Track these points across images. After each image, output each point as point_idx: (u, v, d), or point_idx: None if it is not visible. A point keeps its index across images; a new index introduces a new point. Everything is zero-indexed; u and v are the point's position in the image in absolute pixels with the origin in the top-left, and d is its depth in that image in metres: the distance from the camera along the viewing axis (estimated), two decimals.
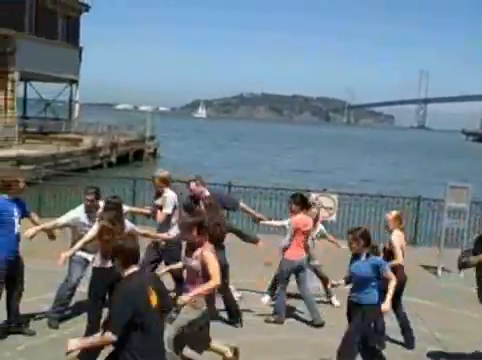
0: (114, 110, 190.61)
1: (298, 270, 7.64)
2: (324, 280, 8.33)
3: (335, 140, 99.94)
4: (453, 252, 11.11)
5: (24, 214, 6.66)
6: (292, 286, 7.90)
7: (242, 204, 8.54)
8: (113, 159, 34.72)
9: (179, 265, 6.15)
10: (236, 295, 7.93)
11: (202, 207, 7.54)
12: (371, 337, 5.99)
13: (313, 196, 12.88)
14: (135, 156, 38.14)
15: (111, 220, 6.31)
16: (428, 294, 9.27)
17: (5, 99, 33.23)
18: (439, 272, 10.81)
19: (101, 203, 7.02)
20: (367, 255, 5.88)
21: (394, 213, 7.28)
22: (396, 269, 6.73)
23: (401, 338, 7.21)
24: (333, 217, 12.82)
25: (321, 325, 7.57)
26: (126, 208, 7.34)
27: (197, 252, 5.58)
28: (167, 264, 7.05)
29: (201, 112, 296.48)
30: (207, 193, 7.91)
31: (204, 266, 5.49)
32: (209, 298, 5.74)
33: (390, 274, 5.92)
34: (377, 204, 13.39)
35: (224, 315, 7.63)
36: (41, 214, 10.58)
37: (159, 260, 7.59)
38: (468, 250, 6.68)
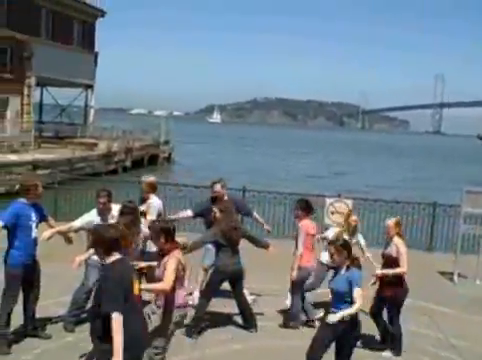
0: (129, 115, 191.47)
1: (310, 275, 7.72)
2: None
3: (349, 145, 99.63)
4: (469, 258, 11.08)
5: (42, 219, 6.69)
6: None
7: (255, 214, 8.77)
8: (128, 164, 34.89)
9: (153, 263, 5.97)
10: (249, 298, 7.93)
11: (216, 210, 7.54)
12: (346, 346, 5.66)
13: (328, 201, 12.88)
14: (150, 161, 38.31)
15: (127, 225, 6.34)
16: (444, 300, 9.21)
17: (22, 104, 33.54)
18: (455, 278, 10.73)
19: (114, 206, 7.09)
20: (347, 267, 5.56)
21: (394, 219, 7.15)
22: (402, 277, 6.77)
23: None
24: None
25: None
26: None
27: (164, 260, 5.41)
28: None
29: (216, 117, 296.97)
30: (225, 197, 7.98)
31: (165, 271, 5.35)
32: (169, 307, 5.49)
33: (356, 295, 5.39)
34: (392, 210, 13.31)
35: (238, 319, 7.63)
36: (57, 218, 10.63)
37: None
38: None
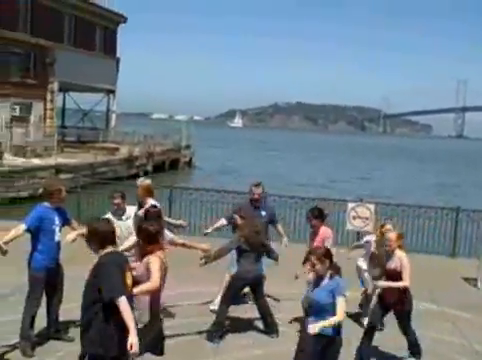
0: (150, 119, 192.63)
1: None
2: None
3: (371, 150, 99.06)
4: None
5: (65, 222, 6.75)
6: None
7: (279, 226, 8.77)
8: (149, 168, 35.09)
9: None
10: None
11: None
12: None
13: (350, 206, 12.81)
14: (171, 165, 38.49)
15: None
16: (468, 306, 9.08)
17: (45, 109, 33.96)
18: (479, 284, 10.58)
19: (128, 207, 7.12)
20: (331, 276, 5.21)
21: (396, 232, 6.84)
22: (405, 292, 6.58)
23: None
24: (369, 227, 12.69)
25: None
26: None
27: (144, 259, 5.39)
28: None
29: (237, 121, 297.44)
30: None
31: (148, 270, 5.33)
32: (157, 311, 5.50)
33: (340, 304, 5.07)
34: (415, 214, 13.21)
35: (260, 325, 7.61)
36: (80, 221, 10.68)
37: None
38: None
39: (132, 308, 4.56)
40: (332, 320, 5.07)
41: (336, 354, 5.32)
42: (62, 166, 25.57)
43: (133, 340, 4.27)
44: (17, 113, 31.82)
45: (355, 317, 7.99)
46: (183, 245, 6.95)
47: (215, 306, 7.80)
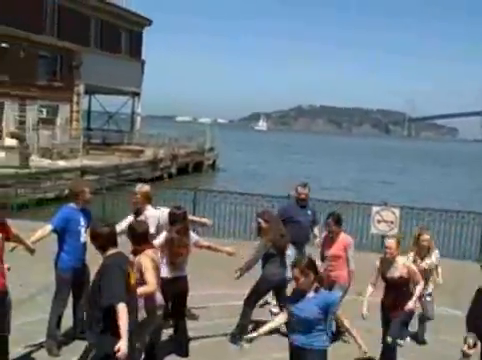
0: (174, 122, 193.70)
1: None
2: None
3: (395, 153, 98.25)
4: None
5: (90, 223, 6.81)
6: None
7: (316, 229, 8.71)
8: (173, 170, 35.26)
9: None
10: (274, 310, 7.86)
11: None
12: None
13: (374, 210, 12.72)
14: (195, 167, 38.62)
15: (179, 231, 6.41)
16: None
17: (71, 111, 34.39)
18: None
19: (148, 207, 7.15)
20: (316, 289, 4.80)
21: (396, 239, 6.43)
22: (409, 298, 6.25)
23: None
24: (394, 231, 12.58)
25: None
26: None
27: (136, 259, 5.44)
28: None
29: (262, 124, 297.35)
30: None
31: (141, 272, 5.36)
32: (152, 309, 5.58)
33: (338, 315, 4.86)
34: (441, 218, 13.06)
35: (283, 327, 7.57)
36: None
37: None
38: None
39: (136, 309, 4.74)
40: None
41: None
42: (88, 168, 25.83)
43: (121, 345, 4.34)
44: (44, 115, 32.27)
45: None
46: (208, 247, 6.97)
47: (275, 308, 7.80)
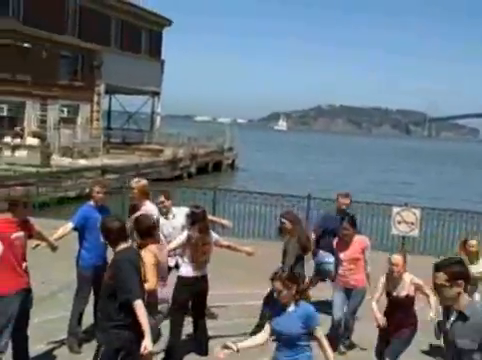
0: (193, 122, 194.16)
1: None
2: None
3: (416, 153, 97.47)
4: None
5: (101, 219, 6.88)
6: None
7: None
8: (193, 170, 35.35)
9: None
10: None
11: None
12: None
13: (395, 210, 12.63)
14: (214, 167, 38.67)
15: (201, 229, 6.43)
16: None
17: (91, 111, 34.63)
18: None
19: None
20: (296, 302, 4.49)
21: (402, 255, 6.07)
22: (416, 317, 5.96)
23: None
24: (415, 232, 12.49)
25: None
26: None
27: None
28: None
29: (281, 124, 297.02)
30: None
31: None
32: (153, 304, 5.53)
33: (324, 341, 4.46)
34: (462, 219, 12.94)
35: None
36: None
37: None
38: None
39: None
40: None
41: None
42: (108, 167, 26.02)
43: (146, 342, 4.37)
44: (65, 115, 32.56)
45: None
46: (228, 247, 6.96)
47: None
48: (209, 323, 6.95)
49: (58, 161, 25.91)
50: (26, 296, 5.66)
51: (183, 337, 6.67)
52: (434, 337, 6.86)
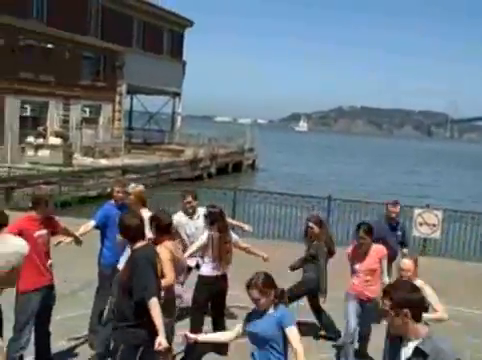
0: (214, 122, 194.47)
1: None
2: None
3: (437, 155, 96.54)
4: None
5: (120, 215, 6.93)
6: None
7: (406, 250, 8.53)
8: (213, 170, 35.41)
9: None
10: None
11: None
12: None
13: (416, 212, 12.54)
14: (234, 167, 38.70)
15: (220, 228, 6.45)
16: None
17: (113, 111, 34.86)
18: None
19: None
20: (275, 305, 4.31)
21: (413, 260, 5.66)
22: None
23: None
24: (437, 234, 12.39)
25: None
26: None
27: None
28: None
29: (302, 125, 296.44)
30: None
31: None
32: (170, 300, 5.54)
33: (293, 337, 4.20)
34: None
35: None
36: None
37: None
38: None
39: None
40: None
41: None
42: (129, 167, 26.18)
43: (161, 339, 4.40)
44: (87, 115, 32.82)
45: None
46: (244, 249, 6.97)
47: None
48: (228, 323, 6.96)
49: (80, 161, 26.17)
50: (48, 293, 5.73)
51: None
52: None
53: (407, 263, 5.57)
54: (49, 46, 28.77)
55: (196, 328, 6.40)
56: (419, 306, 3.26)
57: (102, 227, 6.66)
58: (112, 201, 6.81)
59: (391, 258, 7.67)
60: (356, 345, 6.89)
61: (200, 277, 6.52)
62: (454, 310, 6.04)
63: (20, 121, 27.80)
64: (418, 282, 5.42)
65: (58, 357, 6.24)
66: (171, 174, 29.16)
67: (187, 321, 6.70)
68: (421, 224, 12.36)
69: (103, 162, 27.05)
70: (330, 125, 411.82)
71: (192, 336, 4.50)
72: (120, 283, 4.75)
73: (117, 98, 35.07)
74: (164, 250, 5.39)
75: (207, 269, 6.44)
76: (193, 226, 7.31)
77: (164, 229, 5.61)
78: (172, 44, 41.18)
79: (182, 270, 6.26)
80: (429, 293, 5.50)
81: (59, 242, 6.19)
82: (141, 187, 6.85)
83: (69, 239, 6.28)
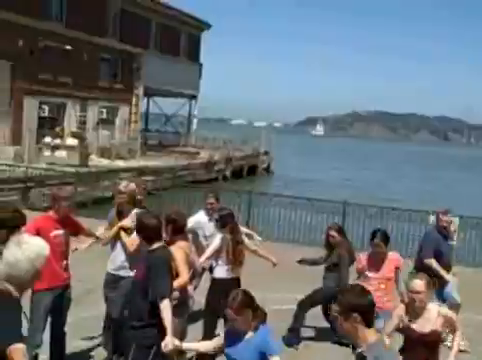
0: (229, 125, 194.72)
1: None
2: None
3: (454, 161, 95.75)
4: None
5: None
6: None
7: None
8: (228, 173, 35.42)
9: None
10: None
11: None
12: None
13: (431, 218, 12.42)
14: (249, 171, 38.68)
15: (232, 230, 6.45)
16: None
17: (130, 113, 35.04)
18: None
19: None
20: (255, 328, 4.04)
21: (426, 280, 4.84)
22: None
23: None
24: (454, 241, 12.25)
25: None
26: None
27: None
28: None
29: (319, 129, 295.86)
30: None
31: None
32: (183, 300, 5.58)
33: None
34: None
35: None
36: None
37: None
38: None
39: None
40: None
41: None
42: (144, 168, 26.27)
43: (167, 340, 4.39)
44: (104, 116, 33.01)
45: None
46: (254, 252, 6.96)
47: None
48: None
49: (96, 162, 26.29)
50: (62, 293, 5.75)
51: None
52: None
53: (419, 283, 4.77)
54: (67, 48, 29.00)
55: (209, 331, 6.39)
56: (369, 311, 3.11)
57: None
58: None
59: (447, 268, 7.51)
60: None
61: (213, 280, 6.52)
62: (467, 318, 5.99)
63: (38, 122, 28.07)
64: (433, 308, 4.83)
65: (73, 357, 6.27)
66: (186, 176, 29.22)
67: (200, 323, 6.70)
68: None
69: (119, 163, 27.17)
70: (346, 129, 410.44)
71: (170, 345, 4.35)
72: (134, 283, 4.75)
73: (134, 100, 35.25)
74: (179, 250, 5.40)
75: (220, 271, 6.44)
76: (212, 227, 7.30)
77: (179, 230, 5.63)
78: (189, 46, 41.33)
79: (195, 274, 6.28)
80: (453, 319, 4.91)
81: (75, 249, 6.25)
82: (133, 185, 6.53)
83: (84, 246, 6.37)
